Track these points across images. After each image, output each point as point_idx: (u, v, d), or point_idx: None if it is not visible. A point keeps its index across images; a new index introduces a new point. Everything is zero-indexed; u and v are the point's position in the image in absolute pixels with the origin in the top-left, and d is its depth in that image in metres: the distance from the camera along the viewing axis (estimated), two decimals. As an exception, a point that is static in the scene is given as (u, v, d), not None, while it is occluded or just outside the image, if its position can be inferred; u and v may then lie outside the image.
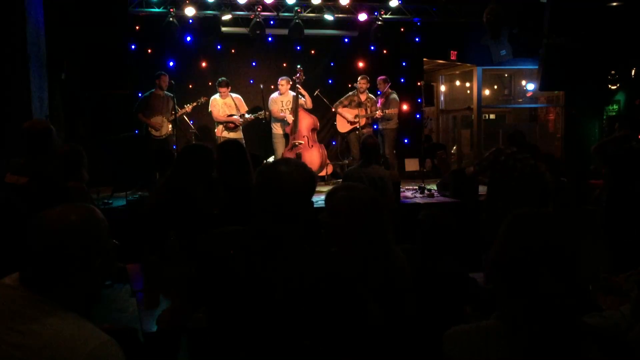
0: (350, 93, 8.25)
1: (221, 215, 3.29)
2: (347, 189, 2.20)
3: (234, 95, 7.92)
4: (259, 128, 8.41)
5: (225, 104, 7.83)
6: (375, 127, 8.45)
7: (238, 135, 7.80)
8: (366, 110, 8.07)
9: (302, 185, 1.73)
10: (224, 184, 3.51)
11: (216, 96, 7.86)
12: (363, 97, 8.11)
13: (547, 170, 4.96)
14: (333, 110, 8.49)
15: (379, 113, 7.90)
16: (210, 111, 7.87)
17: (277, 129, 8.16)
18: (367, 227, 2.10)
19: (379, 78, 8.28)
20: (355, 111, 8.03)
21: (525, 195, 4.80)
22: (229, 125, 7.81)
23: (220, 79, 7.88)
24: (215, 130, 7.95)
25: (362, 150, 5.17)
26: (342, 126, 8.35)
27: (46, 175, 3.10)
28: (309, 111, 8.18)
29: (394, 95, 8.18)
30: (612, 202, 5.23)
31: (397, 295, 2.12)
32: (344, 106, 8.24)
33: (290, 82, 7.99)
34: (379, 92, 8.35)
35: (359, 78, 8.19)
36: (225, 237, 1.81)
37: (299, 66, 8.07)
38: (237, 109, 7.84)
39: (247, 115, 7.90)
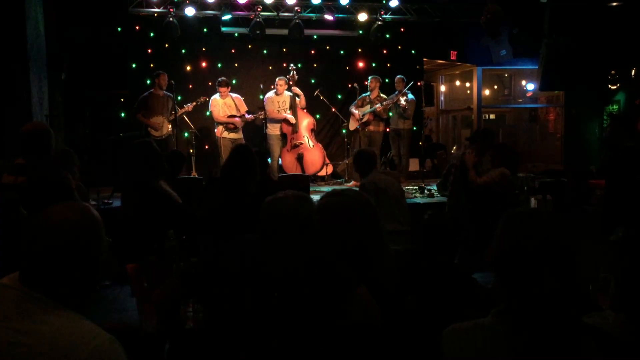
0: (363, 94, 8.27)
1: (215, 215, 3.30)
2: (341, 195, 2.21)
3: (233, 95, 7.89)
4: (258, 128, 8.40)
5: (225, 104, 7.80)
6: (385, 125, 8.48)
7: (238, 135, 7.77)
8: (371, 107, 8.11)
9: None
10: (225, 186, 3.53)
11: (216, 96, 7.83)
12: (373, 96, 8.21)
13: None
14: (342, 111, 8.52)
15: (378, 107, 7.91)
16: (211, 111, 7.85)
17: (272, 129, 8.00)
18: (365, 229, 2.11)
19: (397, 77, 8.32)
20: (363, 109, 8.13)
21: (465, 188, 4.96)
22: (229, 126, 7.78)
23: (220, 79, 7.86)
24: (215, 130, 7.92)
25: (361, 160, 4.83)
26: (352, 125, 8.43)
27: (46, 175, 3.10)
28: (306, 111, 8.19)
29: (411, 95, 8.21)
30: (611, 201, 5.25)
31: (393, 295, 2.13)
32: (358, 107, 8.27)
33: (287, 83, 7.99)
34: (379, 94, 8.37)
35: (369, 77, 8.27)
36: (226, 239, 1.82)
37: (292, 65, 8.07)
38: (237, 109, 7.80)
39: (247, 115, 7.87)
